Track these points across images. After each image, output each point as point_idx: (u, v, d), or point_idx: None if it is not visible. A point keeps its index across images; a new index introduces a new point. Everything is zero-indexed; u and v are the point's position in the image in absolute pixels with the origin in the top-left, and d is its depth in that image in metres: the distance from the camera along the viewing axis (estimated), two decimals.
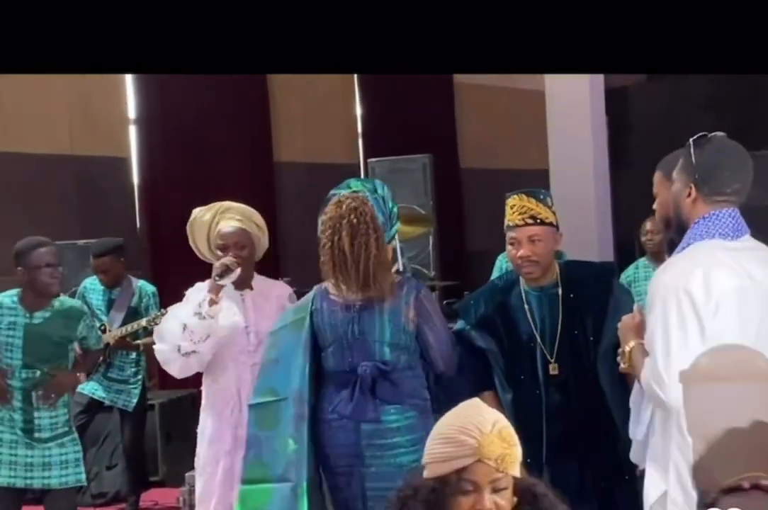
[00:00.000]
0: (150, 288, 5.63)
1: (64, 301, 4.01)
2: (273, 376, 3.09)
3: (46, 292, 3.88)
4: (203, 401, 3.68)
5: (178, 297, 5.29)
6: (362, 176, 8.10)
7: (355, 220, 2.94)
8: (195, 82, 6.95)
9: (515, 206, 3.11)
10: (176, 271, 6.90)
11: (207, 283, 3.52)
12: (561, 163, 7.53)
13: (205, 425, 3.62)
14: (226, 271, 3.44)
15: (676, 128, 6.87)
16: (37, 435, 3.87)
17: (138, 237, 7.43)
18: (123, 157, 7.56)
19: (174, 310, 3.64)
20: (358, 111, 8.19)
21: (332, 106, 8.09)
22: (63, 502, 3.94)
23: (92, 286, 5.62)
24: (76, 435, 4.03)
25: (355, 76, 8.07)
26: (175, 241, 7.19)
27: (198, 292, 3.55)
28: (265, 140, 7.76)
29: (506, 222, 3.16)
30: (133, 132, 7.61)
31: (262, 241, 3.66)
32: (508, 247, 3.15)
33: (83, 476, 4.00)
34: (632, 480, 3.00)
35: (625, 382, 2.90)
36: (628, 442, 2.78)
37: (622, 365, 2.46)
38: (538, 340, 3.14)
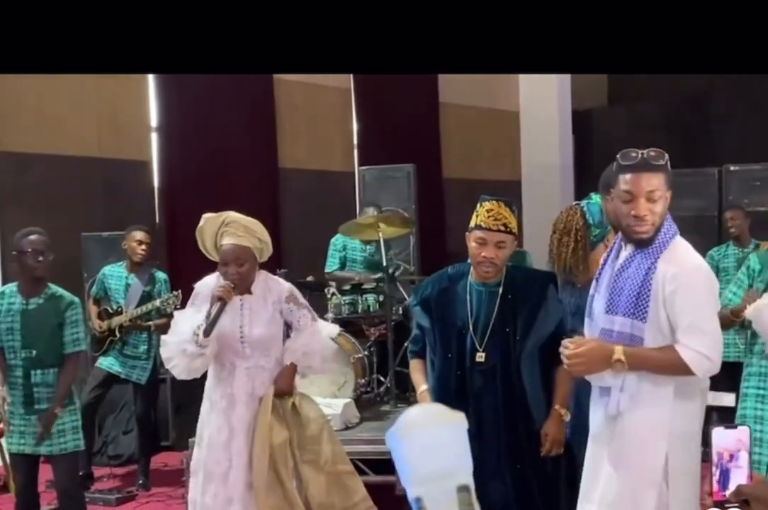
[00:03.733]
0: (162, 275, 5.84)
1: (56, 290, 4.11)
2: None
3: (31, 274, 4.03)
4: (208, 380, 3.73)
5: (190, 286, 5.55)
6: (357, 183, 8.46)
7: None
8: (212, 96, 7.14)
9: (492, 211, 3.13)
10: (190, 263, 7.11)
11: (215, 276, 3.62)
12: (532, 175, 7.88)
13: (207, 409, 3.67)
14: (222, 303, 3.43)
15: (635, 145, 7.29)
16: (36, 406, 4.00)
17: (156, 233, 7.30)
18: (145, 161, 7.70)
19: (180, 316, 3.62)
20: (355, 125, 8.35)
21: (332, 120, 8.25)
22: (65, 466, 4.09)
23: (111, 272, 5.81)
24: (76, 406, 4.13)
25: (353, 93, 8.23)
26: (189, 237, 7.47)
27: (204, 287, 3.61)
28: (272, 149, 7.88)
29: (477, 222, 3.15)
30: (154, 138, 7.73)
31: (264, 251, 3.62)
32: (473, 244, 3.14)
33: (81, 442, 4.12)
34: (544, 465, 3.14)
35: (544, 380, 3.13)
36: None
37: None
38: (471, 328, 3.18)
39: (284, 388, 3.62)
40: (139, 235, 5.77)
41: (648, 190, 2.57)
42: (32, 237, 4.04)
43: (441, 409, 1.32)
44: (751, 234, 5.86)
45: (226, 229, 3.54)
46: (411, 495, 1.21)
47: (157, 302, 5.56)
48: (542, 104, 8.11)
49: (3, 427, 4.16)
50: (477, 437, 3.06)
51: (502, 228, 3.11)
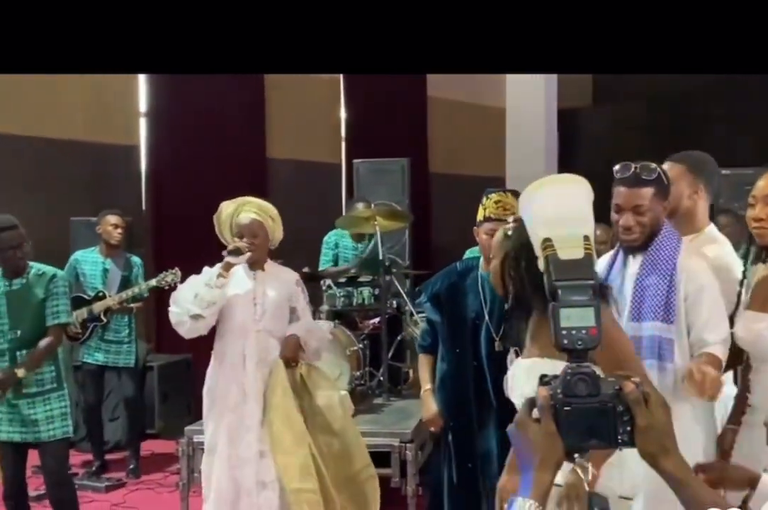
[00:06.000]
0: (138, 260, 5.81)
1: (39, 267, 4.01)
2: None
3: (9, 268, 3.95)
4: (211, 364, 3.81)
5: (174, 267, 5.42)
6: (344, 175, 8.42)
7: None
8: (200, 83, 7.04)
9: (500, 202, 3.15)
10: (174, 248, 7.20)
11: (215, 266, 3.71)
12: (516, 171, 7.84)
13: (213, 384, 3.76)
14: (236, 251, 3.64)
15: (617, 144, 7.34)
16: (24, 390, 3.88)
17: (143, 217, 7.49)
18: (133, 145, 7.62)
19: (190, 279, 3.76)
20: (343, 116, 8.29)
21: (320, 111, 8.18)
22: (54, 453, 3.97)
23: (84, 257, 5.73)
24: (65, 391, 4.02)
25: (342, 84, 8.17)
26: (175, 223, 7.51)
27: (214, 269, 3.71)
28: (260, 138, 7.82)
29: (485, 214, 3.17)
30: (143, 123, 7.63)
31: (277, 231, 3.82)
32: (484, 237, 3.14)
33: (70, 429, 4.01)
34: None
35: None
36: None
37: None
38: (486, 318, 3.21)
39: (289, 355, 3.73)
40: (113, 219, 5.71)
41: (635, 204, 2.64)
42: (4, 234, 3.87)
43: (569, 175, 1.52)
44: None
45: (242, 209, 3.74)
46: (540, 236, 1.34)
47: (154, 281, 5.47)
48: (528, 102, 8.13)
49: None
50: (498, 426, 3.14)
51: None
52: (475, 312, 3.24)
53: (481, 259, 3.32)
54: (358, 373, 5.05)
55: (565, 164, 8.52)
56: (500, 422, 3.14)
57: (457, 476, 3.28)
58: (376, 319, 5.42)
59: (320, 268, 5.96)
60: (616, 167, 2.69)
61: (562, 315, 1.18)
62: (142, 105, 7.68)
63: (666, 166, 2.92)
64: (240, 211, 3.74)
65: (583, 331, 1.17)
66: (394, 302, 5.46)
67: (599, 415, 1.15)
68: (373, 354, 5.34)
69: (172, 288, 5.33)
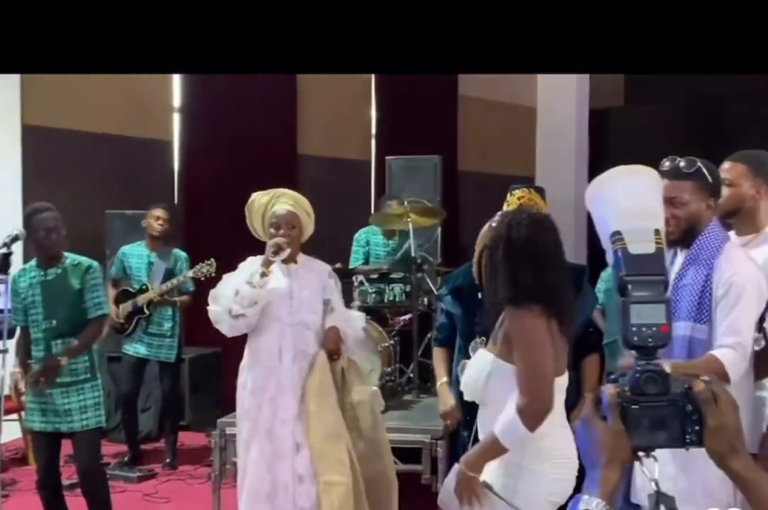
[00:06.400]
0: (182, 254, 5.87)
1: (74, 258, 4.03)
2: None
3: (45, 253, 3.96)
4: (245, 358, 3.75)
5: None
6: (374, 172, 8.41)
7: None
8: (233, 80, 7.05)
9: (523, 198, 3.20)
10: (205, 241, 7.23)
11: (259, 258, 3.66)
12: (546, 171, 7.75)
13: (248, 378, 3.69)
14: (279, 249, 3.58)
15: (650, 146, 7.25)
16: (58, 380, 3.90)
17: (175, 211, 7.21)
18: (167, 141, 7.70)
19: (228, 278, 3.71)
20: (374, 114, 8.29)
21: (352, 109, 8.17)
22: (86, 442, 3.98)
23: (131, 251, 5.82)
24: (98, 381, 4.04)
25: (373, 83, 8.17)
26: (206, 218, 7.57)
27: (250, 265, 3.67)
28: (291, 134, 7.84)
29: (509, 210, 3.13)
30: (176, 119, 7.71)
31: (309, 225, 3.77)
32: None
33: (103, 419, 4.03)
34: None
35: (576, 368, 3.11)
36: None
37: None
38: None
39: (332, 347, 3.67)
40: (157, 212, 5.84)
41: (671, 196, 2.61)
42: (42, 215, 3.93)
43: (640, 166, 1.49)
44: None
45: (277, 200, 3.68)
46: (611, 229, 1.30)
47: (190, 272, 5.55)
48: (560, 101, 8.05)
49: (20, 401, 4.06)
50: None
51: None
52: None
53: None
54: (388, 370, 5.06)
55: (597, 165, 8.40)
56: None
57: None
58: (407, 316, 5.43)
59: (351, 267, 5.97)
60: (663, 161, 2.70)
61: (633, 311, 1.17)
62: (176, 101, 7.75)
63: (726, 165, 2.91)
64: (275, 202, 3.68)
65: (654, 328, 1.16)
66: (425, 299, 5.45)
67: (668, 415, 1.14)
68: (403, 350, 5.35)
69: (208, 279, 5.45)
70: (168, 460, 5.72)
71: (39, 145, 6.88)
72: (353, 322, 3.90)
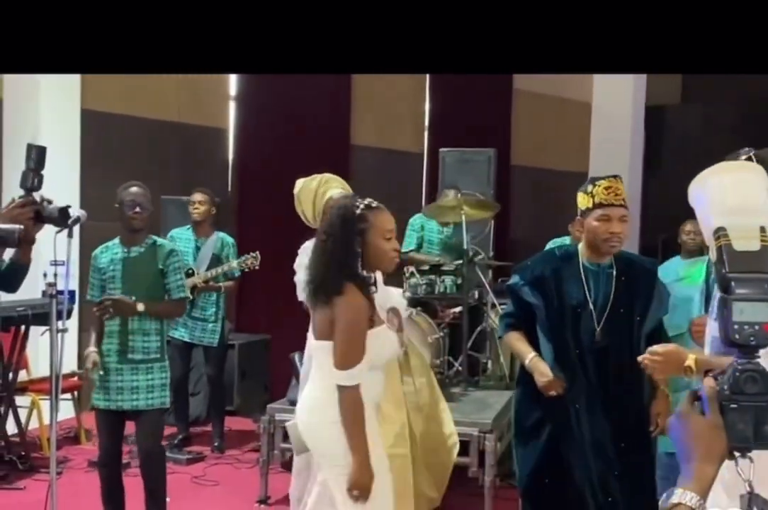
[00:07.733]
0: (230, 239, 5.87)
1: (157, 240, 4.12)
2: None
3: (129, 225, 4.01)
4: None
5: (256, 249, 5.52)
6: (425, 164, 8.35)
7: None
8: None
9: (611, 188, 3.08)
10: (257, 228, 7.36)
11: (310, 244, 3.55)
12: (600, 167, 7.40)
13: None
14: None
15: (705, 144, 7.13)
16: (130, 356, 3.93)
17: (228, 198, 7.60)
18: (222, 128, 7.76)
19: (299, 268, 3.63)
20: (427, 107, 8.23)
21: (405, 101, 8.14)
22: (150, 422, 3.97)
23: (179, 235, 5.85)
24: (166, 363, 4.03)
25: (428, 76, 8.11)
26: (258, 206, 7.60)
27: (305, 251, 3.53)
28: (345, 125, 7.85)
29: (595, 201, 3.09)
30: (232, 107, 7.77)
31: None
32: (595, 223, 3.09)
33: (167, 400, 4.02)
34: (648, 447, 3.18)
35: None
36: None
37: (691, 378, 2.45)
38: (591, 307, 3.13)
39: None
40: (197, 196, 5.87)
41: None
42: (132, 189, 4.05)
43: (746, 162, 1.48)
44: None
45: (327, 186, 3.65)
46: (714, 225, 1.27)
47: (234, 263, 5.57)
48: (616, 98, 7.96)
49: (93, 380, 4.03)
50: (589, 413, 3.13)
51: (622, 202, 3.11)
52: (577, 300, 3.15)
53: (580, 246, 3.24)
54: (437, 362, 5.03)
55: (651, 163, 8.41)
56: (607, 411, 3.12)
57: (554, 469, 3.21)
58: (457, 309, 5.40)
59: (403, 250, 5.94)
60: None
61: (735, 308, 1.13)
62: (232, 89, 7.79)
63: None
64: (326, 189, 3.65)
65: (756, 327, 1.12)
66: (476, 292, 5.41)
67: (767, 415, 1.10)
68: (452, 343, 5.32)
69: (252, 270, 5.48)
70: (216, 444, 5.75)
71: (97, 130, 6.98)
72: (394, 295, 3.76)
